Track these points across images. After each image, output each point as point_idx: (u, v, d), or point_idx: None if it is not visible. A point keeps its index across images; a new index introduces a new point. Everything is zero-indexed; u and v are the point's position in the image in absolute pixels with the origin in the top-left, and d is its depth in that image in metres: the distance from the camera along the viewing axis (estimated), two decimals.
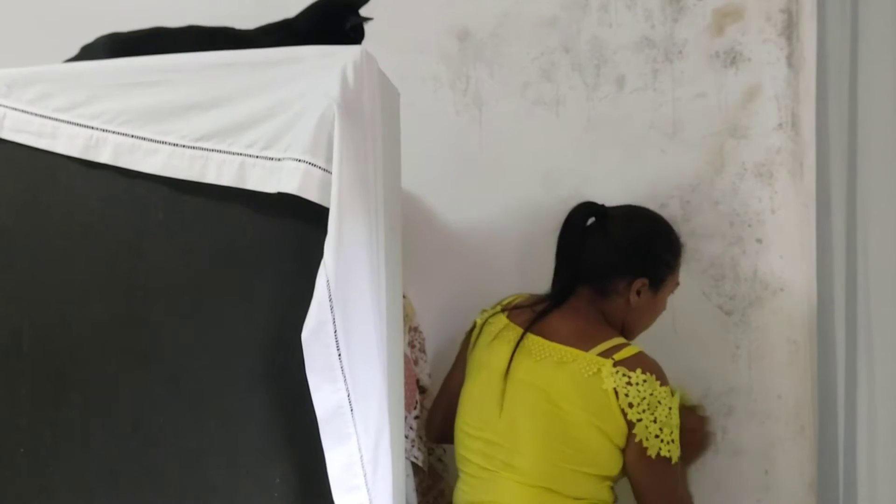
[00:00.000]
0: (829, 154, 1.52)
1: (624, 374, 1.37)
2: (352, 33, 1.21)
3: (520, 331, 1.46)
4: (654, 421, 1.36)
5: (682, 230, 1.76)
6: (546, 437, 1.40)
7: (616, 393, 1.37)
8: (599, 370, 1.38)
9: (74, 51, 1.31)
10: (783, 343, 1.74)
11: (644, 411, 1.36)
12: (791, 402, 1.73)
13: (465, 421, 1.49)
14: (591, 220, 1.52)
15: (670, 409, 1.39)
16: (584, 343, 1.42)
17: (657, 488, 1.42)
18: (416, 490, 1.59)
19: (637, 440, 1.37)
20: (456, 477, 1.54)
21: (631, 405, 1.36)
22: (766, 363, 1.74)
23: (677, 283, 1.56)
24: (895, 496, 1.31)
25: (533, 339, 1.45)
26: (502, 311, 1.54)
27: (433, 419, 1.63)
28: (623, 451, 1.40)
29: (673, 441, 1.38)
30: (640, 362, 1.40)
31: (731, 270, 1.77)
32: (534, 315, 1.47)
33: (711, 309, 1.75)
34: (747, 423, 1.74)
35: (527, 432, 1.41)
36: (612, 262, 1.48)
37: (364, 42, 1.20)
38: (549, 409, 1.40)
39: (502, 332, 1.48)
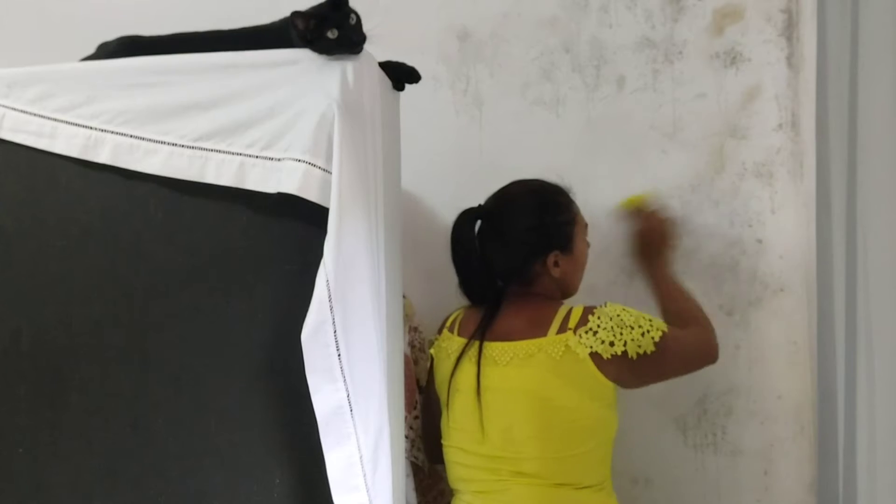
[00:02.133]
0: (829, 154, 1.52)
1: (587, 331, 1.38)
2: (323, 42, 1.14)
3: (476, 344, 1.45)
4: (632, 328, 1.38)
5: (682, 230, 1.76)
6: (546, 432, 1.39)
7: (593, 357, 1.37)
8: (567, 345, 1.38)
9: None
10: (783, 343, 1.73)
11: (622, 334, 1.37)
12: (791, 402, 1.73)
13: (457, 445, 1.48)
14: (478, 225, 1.53)
15: (625, 309, 1.41)
16: (540, 329, 1.42)
17: (681, 355, 1.44)
18: (416, 490, 1.59)
19: (637, 357, 1.37)
20: (452, 494, 1.52)
21: (612, 343, 1.37)
22: (766, 363, 1.74)
23: (586, 224, 1.56)
24: (895, 496, 1.31)
25: (492, 346, 1.44)
26: (450, 331, 1.54)
27: (427, 444, 1.61)
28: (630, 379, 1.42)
29: (651, 323, 1.40)
30: (588, 311, 1.42)
31: (731, 270, 1.77)
32: (481, 324, 1.47)
33: (711, 309, 1.75)
34: (747, 423, 1.74)
35: (527, 437, 1.40)
36: (520, 257, 1.49)
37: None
38: (539, 405, 1.39)
39: (464, 350, 1.47)
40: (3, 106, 1.22)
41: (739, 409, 1.75)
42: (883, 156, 1.32)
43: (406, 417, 1.52)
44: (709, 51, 1.77)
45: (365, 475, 1.11)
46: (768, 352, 1.74)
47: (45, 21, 1.99)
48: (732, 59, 1.76)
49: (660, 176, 1.78)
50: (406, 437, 1.53)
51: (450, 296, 1.65)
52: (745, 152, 1.75)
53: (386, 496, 1.14)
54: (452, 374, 1.47)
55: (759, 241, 1.75)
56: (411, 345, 1.68)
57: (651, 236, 1.62)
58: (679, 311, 1.52)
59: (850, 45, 1.42)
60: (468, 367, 1.45)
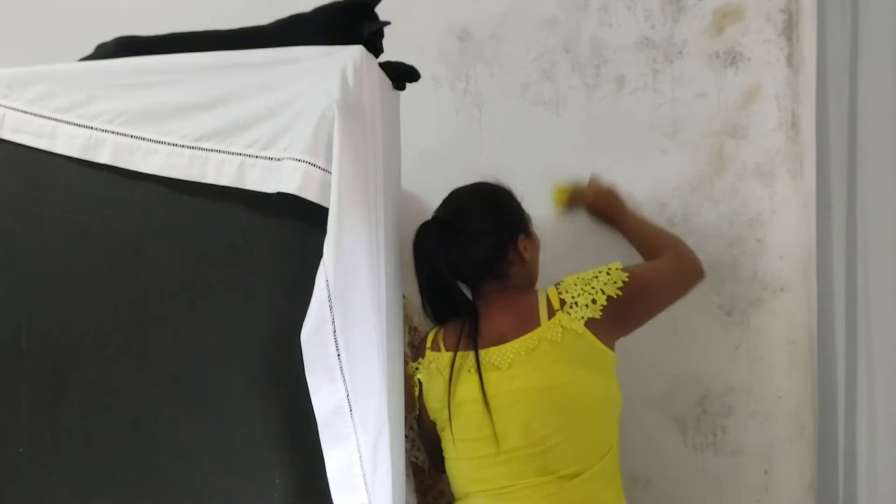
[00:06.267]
0: (829, 154, 1.52)
1: (571, 306, 1.40)
2: (370, 37, 1.20)
3: (471, 353, 1.43)
4: (596, 277, 1.42)
5: (682, 230, 1.76)
6: (566, 418, 1.39)
7: (589, 325, 1.38)
8: (562, 326, 1.39)
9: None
10: (783, 343, 1.73)
11: (593, 287, 1.41)
12: (791, 402, 1.73)
13: (466, 457, 1.44)
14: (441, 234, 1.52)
15: (582, 274, 1.45)
16: (531, 322, 1.42)
17: (658, 276, 1.49)
18: (416, 490, 1.59)
19: (620, 295, 1.40)
20: (452, 495, 1.51)
21: (594, 300, 1.39)
22: (766, 363, 1.74)
23: (528, 216, 1.59)
24: (895, 496, 1.31)
25: (489, 352, 1.42)
26: (434, 350, 1.50)
27: (431, 456, 1.57)
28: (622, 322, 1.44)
29: (606, 266, 1.44)
30: (556, 288, 1.44)
31: (731, 270, 1.77)
32: (469, 333, 1.44)
33: (711, 309, 1.75)
34: (747, 423, 1.74)
35: (548, 428, 1.38)
36: (491, 248, 1.49)
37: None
38: (552, 395, 1.38)
39: (453, 362, 1.44)
40: (4, 106, 1.22)
41: (739, 409, 1.75)
42: (883, 156, 1.33)
43: (406, 417, 1.52)
44: (709, 51, 1.77)
45: (364, 475, 1.11)
46: (768, 352, 1.74)
47: (45, 21, 1.99)
48: (732, 58, 1.76)
49: (660, 176, 1.78)
50: (406, 437, 1.53)
51: None
52: (745, 152, 1.75)
53: (385, 496, 1.14)
54: (452, 390, 1.45)
55: (759, 241, 1.75)
56: (411, 345, 1.68)
57: (598, 200, 1.63)
58: (652, 243, 1.56)
59: (850, 45, 1.42)
60: (469, 378, 1.42)
